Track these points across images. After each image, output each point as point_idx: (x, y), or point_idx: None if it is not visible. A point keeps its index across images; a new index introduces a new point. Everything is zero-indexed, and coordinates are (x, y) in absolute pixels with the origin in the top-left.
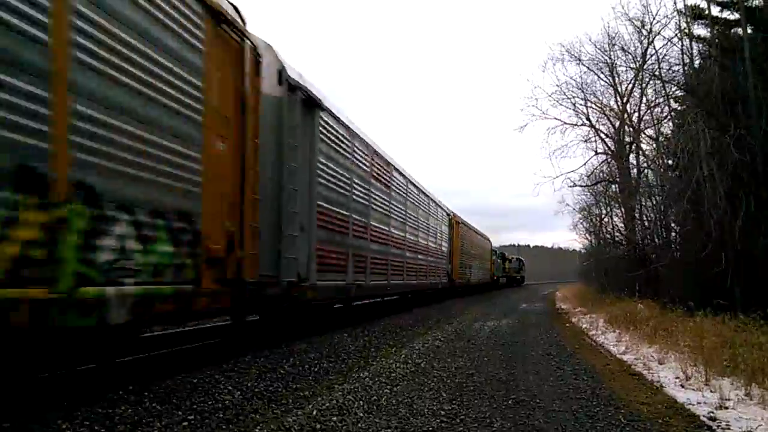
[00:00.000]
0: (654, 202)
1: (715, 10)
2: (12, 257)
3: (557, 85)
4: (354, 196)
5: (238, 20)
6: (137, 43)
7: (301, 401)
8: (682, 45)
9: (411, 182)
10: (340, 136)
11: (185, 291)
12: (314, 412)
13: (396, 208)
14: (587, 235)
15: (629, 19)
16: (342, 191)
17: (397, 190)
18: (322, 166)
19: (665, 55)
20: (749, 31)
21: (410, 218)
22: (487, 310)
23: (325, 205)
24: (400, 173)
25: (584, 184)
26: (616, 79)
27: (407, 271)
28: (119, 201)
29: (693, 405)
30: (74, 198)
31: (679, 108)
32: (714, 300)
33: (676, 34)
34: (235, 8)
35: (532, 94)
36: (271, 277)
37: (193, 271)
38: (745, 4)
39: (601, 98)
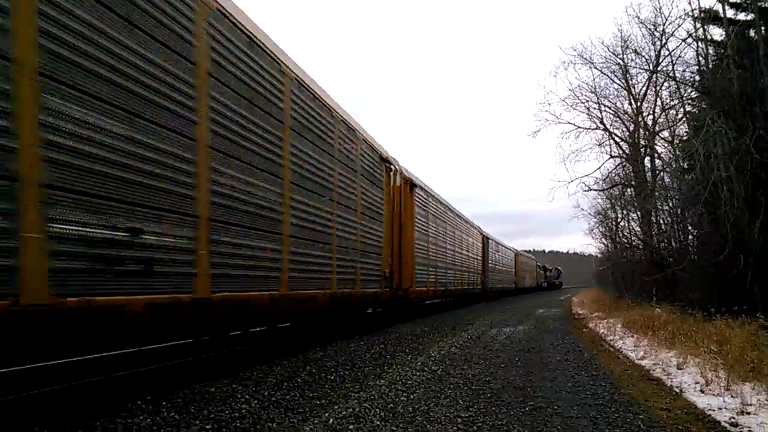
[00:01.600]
0: (670, 206)
1: (730, 12)
2: None
3: (570, 89)
4: (432, 234)
5: (392, 160)
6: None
7: (317, 410)
8: (697, 46)
9: (483, 235)
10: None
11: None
12: (331, 421)
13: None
14: (603, 239)
15: (641, 22)
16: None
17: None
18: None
19: (679, 56)
20: (764, 30)
21: (497, 259)
22: (504, 316)
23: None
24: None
25: (599, 188)
26: (630, 81)
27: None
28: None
29: (714, 410)
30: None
31: (693, 110)
32: (733, 303)
33: (690, 35)
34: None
35: (545, 99)
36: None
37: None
38: (759, 4)
39: (614, 101)
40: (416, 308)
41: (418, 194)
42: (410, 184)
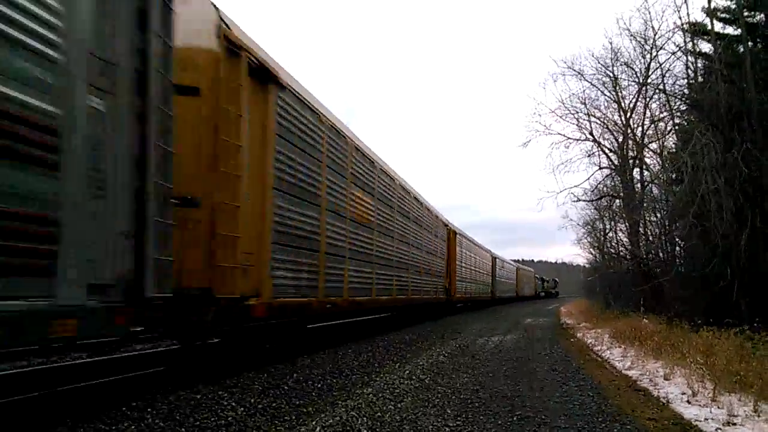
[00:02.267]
0: (658, 217)
1: (718, 26)
2: None
3: (560, 101)
4: (465, 262)
5: (448, 223)
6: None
7: (304, 418)
8: (687, 60)
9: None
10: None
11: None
12: (317, 429)
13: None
14: (591, 249)
15: (631, 35)
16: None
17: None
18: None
19: (668, 69)
20: (751, 45)
21: (502, 273)
22: (492, 324)
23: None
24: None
25: (588, 199)
26: (620, 93)
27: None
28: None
29: (701, 421)
30: None
31: (682, 122)
32: (719, 315)
33: (679, 48)
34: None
35: (535, 109)
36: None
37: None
38: (746, 20)
39: (604, 113)
40: (455, 307)
41: (457, 238)
42: (454, 233)
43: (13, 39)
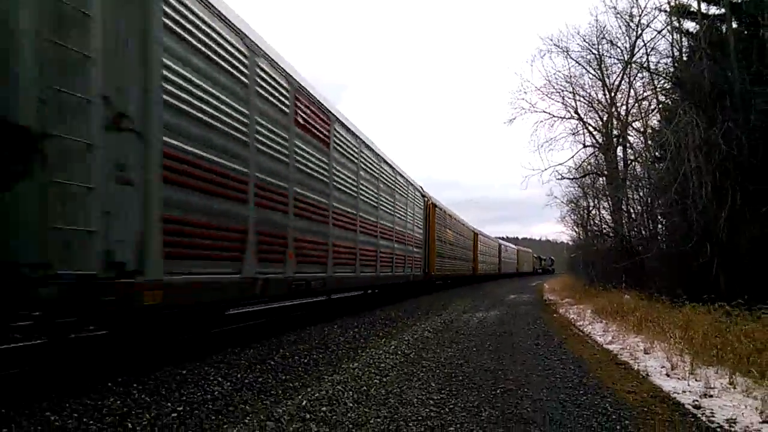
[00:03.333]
0: (641, 195)
1: (703, 6)
2: None
3: (546, 78)
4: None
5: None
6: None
7: (290, 392)
8: (672, 38)
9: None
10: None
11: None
12: (304, 403)
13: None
14: (575, 227)
15: (617, 13)
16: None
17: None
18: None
19: (653, 48)
20: (734, 25)
21: (506, 255)
22: (476, 302)
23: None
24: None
25: (572, 177)
26: (605, 72)
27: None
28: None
29: (678, 393)
30: None
31: (666, 101)
32: (699, 291)
33: (665, 27)
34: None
35: (521, 87)
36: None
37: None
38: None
39: (589, 91)
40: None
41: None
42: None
43: None
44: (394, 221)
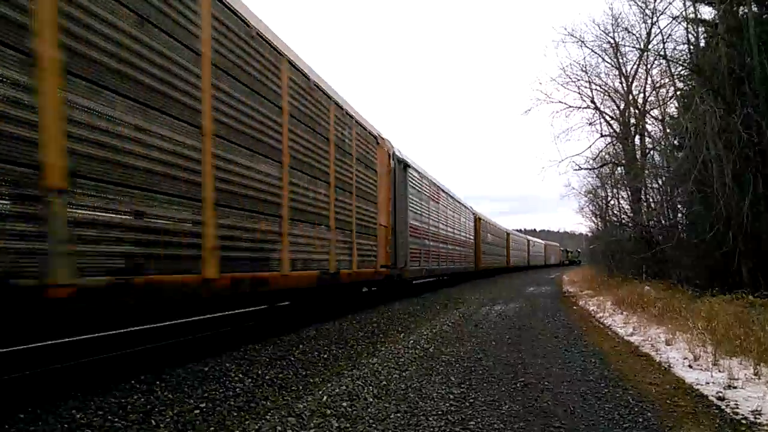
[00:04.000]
0: (660, 184)
1: None
2: None
3: (561, 68)
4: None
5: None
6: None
7: (311, 387)
8: (688, 24)
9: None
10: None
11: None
12: (324, 398)
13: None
14: (593, 218)
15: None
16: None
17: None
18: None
19: (670, 34)
20: (755, 9)
21: (534, 249)
22: (494, 294)
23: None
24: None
25: (589, 167)
26: (621, 60)
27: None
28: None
29: (702, 385)
30: None
31: (684, 88)
32: (721, 281)
33: (681, 13)
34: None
35: (536, 78)
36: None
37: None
38: None
39: (605, 80)
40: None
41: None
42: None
43: None
44: (458, 234)
